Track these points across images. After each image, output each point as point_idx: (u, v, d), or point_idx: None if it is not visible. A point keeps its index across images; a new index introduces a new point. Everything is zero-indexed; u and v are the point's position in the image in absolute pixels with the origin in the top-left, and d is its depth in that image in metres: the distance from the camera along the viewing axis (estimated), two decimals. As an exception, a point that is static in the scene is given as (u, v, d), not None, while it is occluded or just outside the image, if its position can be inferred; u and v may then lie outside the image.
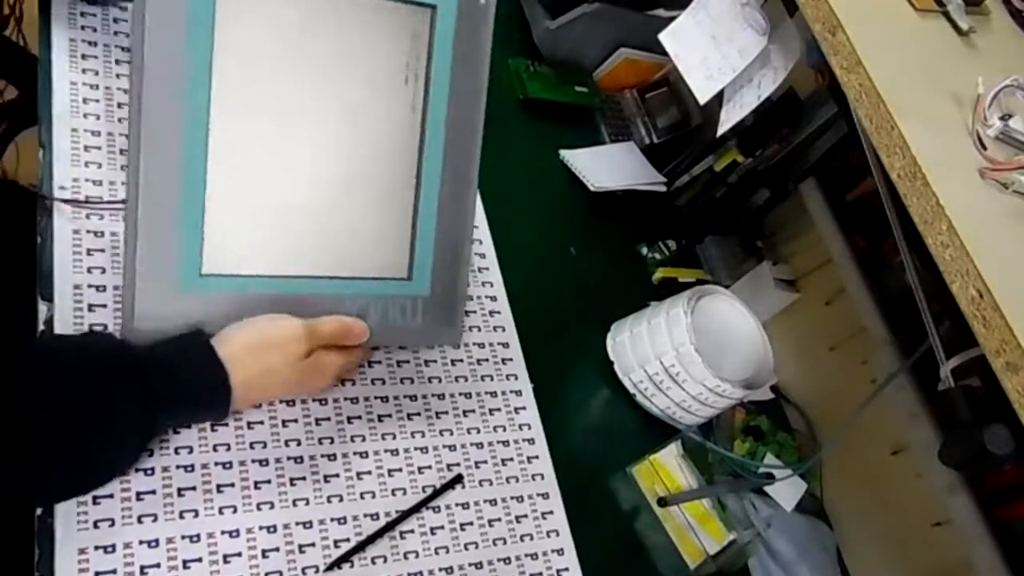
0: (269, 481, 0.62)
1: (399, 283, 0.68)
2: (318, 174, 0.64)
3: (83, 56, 0.72)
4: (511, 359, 0.78)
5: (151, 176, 0.58)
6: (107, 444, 0.54)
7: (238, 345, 0.59)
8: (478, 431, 0.73)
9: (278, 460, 0.63)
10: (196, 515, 0.59)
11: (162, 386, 0.56)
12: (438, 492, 0.67)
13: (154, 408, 0.55)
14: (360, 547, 0.62)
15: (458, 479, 0.68)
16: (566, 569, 0.70)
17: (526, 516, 0.71)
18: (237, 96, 0.60)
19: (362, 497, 0.65)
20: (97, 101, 0.70)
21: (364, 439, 0.67)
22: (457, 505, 0.68)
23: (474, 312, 0.79)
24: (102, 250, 0.64)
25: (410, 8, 0.64)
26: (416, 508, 0.65)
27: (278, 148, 0.62)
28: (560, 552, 0.71)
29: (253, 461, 0.62)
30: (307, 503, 0.63)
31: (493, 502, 0.70)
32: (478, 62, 0.67)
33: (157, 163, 0.58)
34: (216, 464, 0.61)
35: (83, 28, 0.72)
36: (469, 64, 0.67)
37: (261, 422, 0.64)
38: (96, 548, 0.55)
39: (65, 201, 0.63)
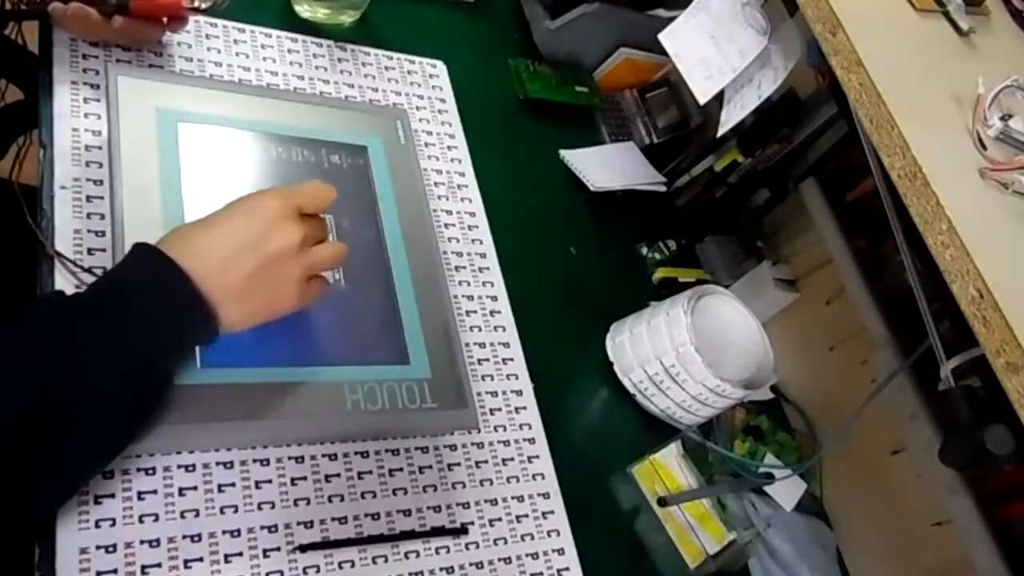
0: (270, 481, 0.62)
1: (398, 367, 0.68)
2: None
3: (83, 56, 0.72)
4: (511, 359, 0.78)
5: None
6: (92, 409, 0.49)
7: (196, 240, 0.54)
8: (478, 431, 0.73)
9: (278, 460, 0.63)
10: (197, 514, 0.59)
11: (120, 313, 0.50)
12: (432, 533, 0.66)
13: (121, 340, 0.49)
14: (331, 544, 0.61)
15: (463, 530, 0.67)
16: (566, 569, 0.70)
17: (526, 516, 0.71)
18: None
19: (363, 497, 0.65)
20: (98, 100, 0.70)
21: (364, 439, 0.67)
22: (457, 505, 0.68)
23: (474, 312, 0.79)
24: (103, 250, 0.64)
25: (347, 148, 0.76)
26: (401, 537, 0.64)
27: None
28: (560, 552, 0.71)
29: (254, 460, 0.62)
30: (308, 503, 0.63)
31: (493, 502, 0.70)
32: (413, 179, 0.78)
33: None
34: (217, 464, 0.61)
35: (83, 28, 0.72)
36: (407, 182, 0.78)
37: (262, 422, 0.64)
38: (97, 548, 0.54)
39: (64, 258, 0.61)
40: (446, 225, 0.83)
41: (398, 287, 0.72)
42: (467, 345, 0.76)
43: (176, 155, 0.67)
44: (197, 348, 0.59)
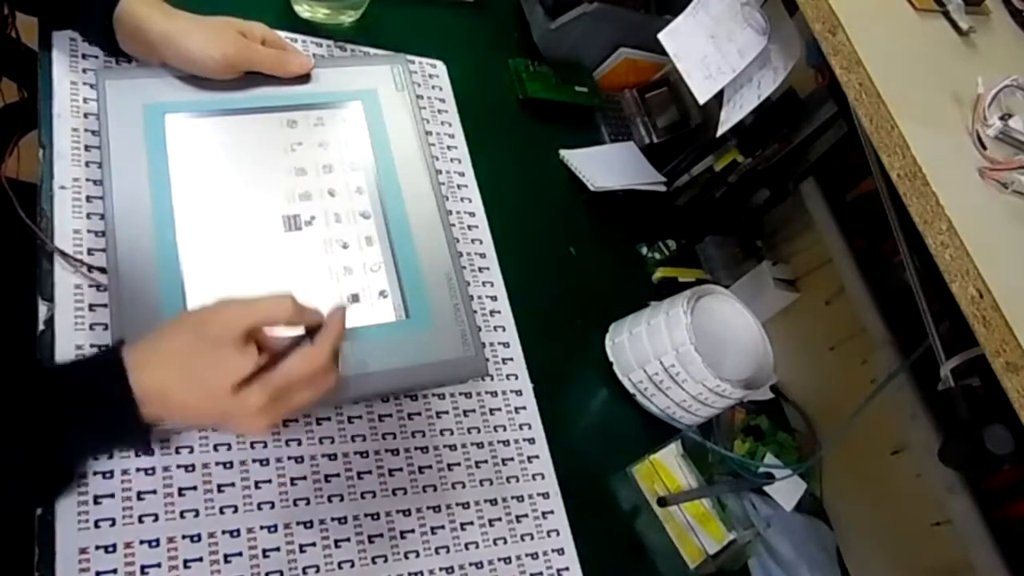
0: (270, 481, 0.62)
1: (399, 325, 0.69)
2: (288, 245, 0.70)
3: (83, 56, 0.72)
4: (511, 359, 0.78)
5: (129, 272, 0.63)
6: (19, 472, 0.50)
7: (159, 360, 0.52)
8: (478, 431, 0.73)
9: (278, 460, 0.63)
10: (197, 515, 0.59)
11: (78, 428, 0.51)
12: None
13: (60, 436, 0.50)
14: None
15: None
16: (566, 569, 0.70)
17: (526, 516, 0.71)
18: (198, 204, 0.68)
19: (363, 497, 0.65)
20: (97, 101, 0.69)
21: (364, 439, 0.67)
22: (457, 505, 0.68)
23: (474, 312, 0.79)
24: (103, 249, 0.64)
25: (340, 105, 0.78)
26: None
27: (245, 223, 0.69)
28: (560, 552, 0.71)
29: (253, 461, 0.62)
30: (308, 503, 0.63)
31: (493, 502, 0.70)
32: (410, 127, 0.79)
33: (132, 263, 0.63)
34: (217, 464, 0.61)
35: (83, 28, 0.73)
36: (403, 131, 0.78)
37: (261, 422, 0.64)
38: (97, 548, 0.55)
39: (64, 255, 0.62)
40: (446, 225, 0.83)
41: (397, 241, 0.73)
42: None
43: (164, 148, 0.68)
44: None
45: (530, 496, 0.72)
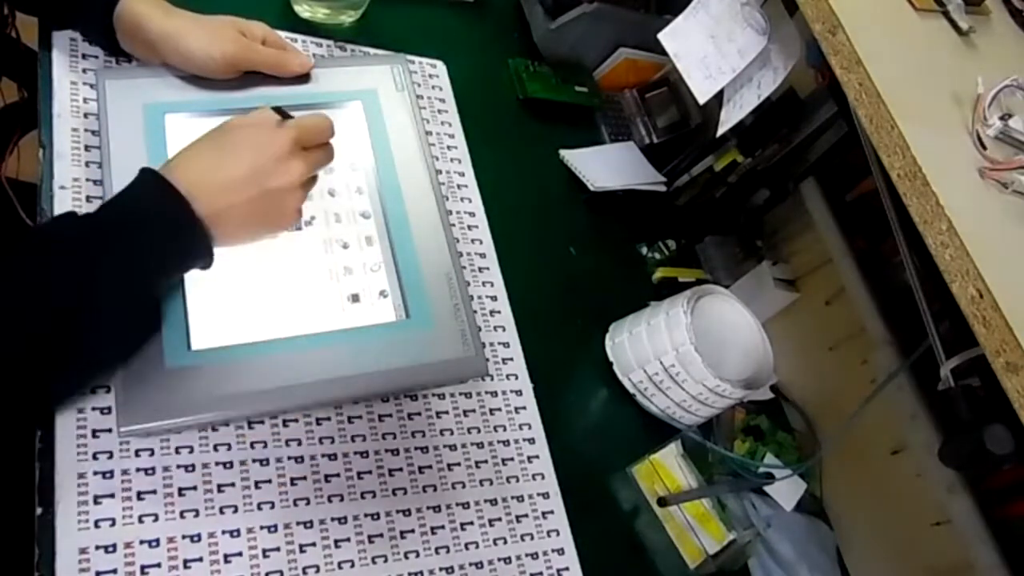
0: (270, 480, 0.62)
1: (399, 325, 0.69)
2: (288, 245, 0.70)
3: (83, 56, 0.72)
4: (511, 359, 0.78)
5: None
6: (112, 322, 0.54)
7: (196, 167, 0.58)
8: (478, 431, 0.73)
9: (279, 459, 0.63)
10: (197, 515, 0.59)
11: (126, 238, 0.54)
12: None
13: (126, 262, 0.54)
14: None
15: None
16: (566, 569, 0.70)
17: (526, 516, 0.71)
18: None
19: (362, 497, 0.65)
20: (97, 100, 0.69)
21: (364, 439, 0.67)
22: (457, 505, 0.68)
23: (474, 312, 0.79)
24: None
25: (340, 104, 0.78)
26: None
27: None
28: (560, 552, 0.71)
29: (254, 461, 0.62)
30: (307, 503, 0.63)
31: (493, 502, 0.70)
32: (410, 127, 0.79)
33: None
34: (217, 464, 0.61)
35: (83, 28, 0.73)
36: (403, 130, 0.78)
37: (262, 422, 0.64)
38: (97, 548, 0.55)
39: None
40: (446, 225, 0.83)
41: (397, 241, 0.73)
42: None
43: (164, 148, 0.68)
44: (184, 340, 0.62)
45: (530, 496, 0.72)
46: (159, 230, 0.56)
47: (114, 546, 0.55)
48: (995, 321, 0.53)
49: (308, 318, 0.67)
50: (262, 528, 0.60)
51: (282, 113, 0.63)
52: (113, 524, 0.56)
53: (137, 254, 0.55)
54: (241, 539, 0.59)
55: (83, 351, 0.54)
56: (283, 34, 0.82)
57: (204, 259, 0.59)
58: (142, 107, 0.69)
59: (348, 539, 0.63)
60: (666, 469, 0.79)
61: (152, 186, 0.56)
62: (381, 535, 0.64)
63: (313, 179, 0.65)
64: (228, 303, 0.64)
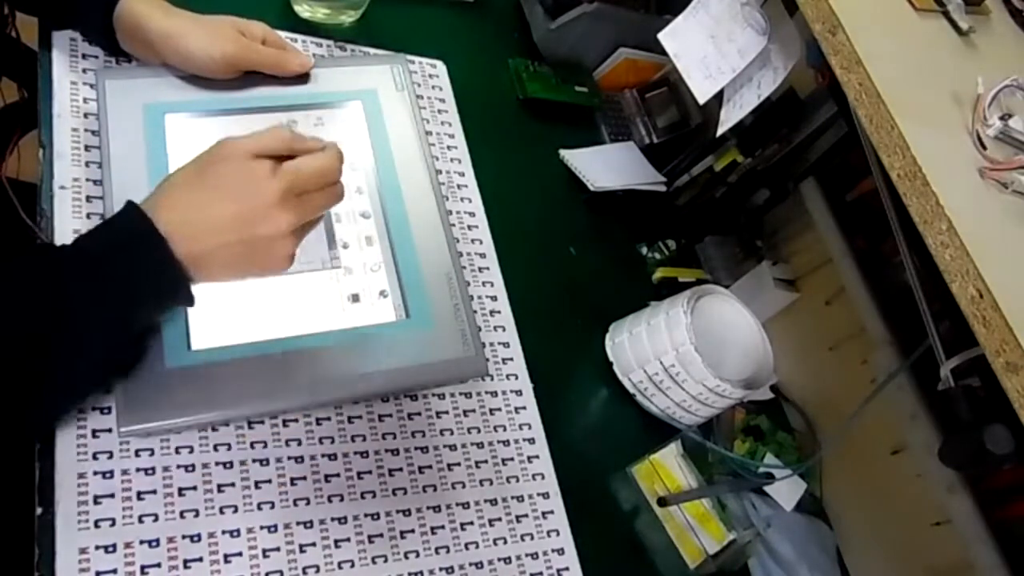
0: (270, 480, 0.62)
1: (399, 325, 0.69)
2: None
3: (83, 56, 0.72)
4: (511, 359, 0.78)
5: None
6: (82, 356, 0.53)
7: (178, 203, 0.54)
8: (478, 431, 0.73)
9: (279, 459, 0.63)
10: (197, 515, 0.59)
11: (103, 274, 0.52)
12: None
13: (101, 298, 0.52)
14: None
15: None
16: (566, 569, 0.70)
17: (526, 516, 0.71)
18: None
19: (363, 497, 0.65)
20: (96, 100, 0.69)
21: (365, 439, 0.67)
22: (457, 505, 0.68)
23: (475, 312, 0.79)
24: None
25: (341, 104, 0.78)
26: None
27: None
28: (560, 552, 0.71)
29: (253, 460, 0.62)
30: (308, 503, 0.63)
31: (493, 502, 0.70)
32: (410, 127, 0.79)
33: None
34: (217, 464, 0.61)
35: (83, 28, 0.72)
36: (403, 130, 0.78)
37: (262, 422, 0.64)
38: (96, 548, 0.55)
39: None
40: (446, 225, 0.83)
41: (397, 241, 0.73)
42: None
43: (164, 148, 0.68)
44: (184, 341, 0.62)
45: (530, 496, 0.72)
46: (134, 269, 0.53)
47: (114, 546, 0.55)
48: (995, 321, 0.53)
49: (308, 318, 0.67)
50: (262, 528, 0.60)
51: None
52: (113, 524, 0.56)
53: (111, 290, 0.52)
54: (241, 539, 0.59)
55: (56, 378, 0.52)
56: (283, 34, 0.82)
57: (182, 300, 0.56)
58: (142, 107, 0.69)
59: (348, 539, 0.63)
60: (666, 469, 0.79)
61: (133, 223, 0.53)
62: (381, 535, 0.64)
63: (313, 221, 0.59)
64: (228, 303, 0.64)
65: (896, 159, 0.58)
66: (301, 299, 0.67)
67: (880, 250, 0.87)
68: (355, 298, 0.70)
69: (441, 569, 0.65)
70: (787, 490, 0.88)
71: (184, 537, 0.57)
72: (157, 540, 0.56)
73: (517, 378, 0.78)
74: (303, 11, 0.88)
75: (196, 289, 0.56)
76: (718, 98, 0.82)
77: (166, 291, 0.55)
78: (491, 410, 0.75)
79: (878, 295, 0.87)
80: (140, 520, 0.57)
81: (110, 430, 0.58)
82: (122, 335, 0.55)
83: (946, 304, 0.61)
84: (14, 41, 0.77)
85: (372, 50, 0.89)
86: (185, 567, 0.56)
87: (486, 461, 0.72)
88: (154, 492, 0.58)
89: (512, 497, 0.71)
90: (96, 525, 0.55)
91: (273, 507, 0.61)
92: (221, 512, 0.59)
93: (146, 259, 0.53)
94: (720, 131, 0.83)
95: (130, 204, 0.54)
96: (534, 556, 0.69)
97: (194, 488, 0.59)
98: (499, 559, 0.68)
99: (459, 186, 0.86)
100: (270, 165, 0.55)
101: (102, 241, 0.54)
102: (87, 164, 0.67)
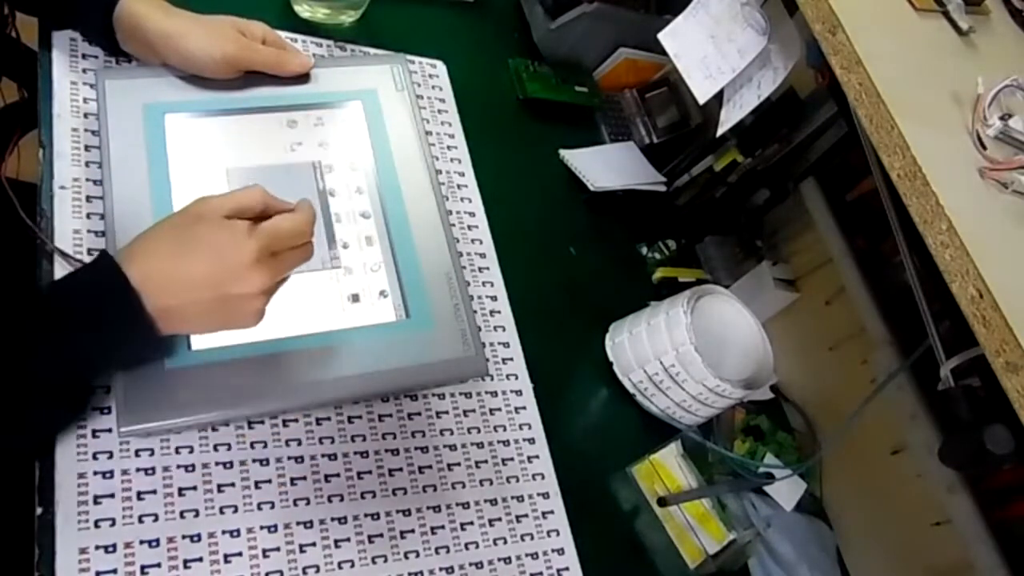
0: (270, 481, 0.62)
1: (399, 325, 0.69)
2: None
3: (83, 56, 0.72)
4: (511, 359, 0.78)
5: None
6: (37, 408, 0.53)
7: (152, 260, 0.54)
8: (478, 431, 0.73)
9: (279, 460, 0.63)
10: (197, 515, 0.59)
11: (71, 324, 0.52)
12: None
13: (75, 358, 0.53)
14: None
15: None
16: (566, 569, 0.70)
17: (526, 516, 0.71)
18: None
19: (362, 497, 0.65)
20: (97, 100, 0.69)
21: (365, 439, 0.67)
22: (457, 505, 0.68)
23: (475, 312, 0.79)
24: (103, 249, 0.64)
25: (340, 104, 0.78)
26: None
27: None
28: (560, 552, 0.71)
29: (253, 461, 0.62)
30: (308, 503, 0.63)
31: (493, 502, 0.70)
32: (410, 126, 0.79)
33: None
34: (216, 464, 0.61)
35: (83, 28, 0.72)
36: (403, 130, 0.78)
37: (262, 422, 0.64)
38: (96, 548, 0.55)
39: (64, 255, 0.62)
40: (446, 225, 0.83)
41: (397, 241, 0.73)
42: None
43: (164, 148, 0.68)
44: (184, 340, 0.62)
45: (530, 496, 0.72)
46: (103, 321, 0.53)
47: (114, 546, 0.55)
48: (995, 321, 0.53)
49: (308, 318, 0.67)
50: (262, 528, 0.60)
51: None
52: (113, 524, 0.56)
53: (78, 340, 0.53)
54: (241, 539, 0.59)
55: (11, 416, 0.52)
56: (283, 34, 0.82)
57: (152, 352, 0.58)
58: (142, 107, 0.69)
59: (348, 539, 0.63)
60: (666, 469, 0.79)
61: (105, 275, 0.53)
62: (381, 535, 0.64)
63: (285, 279, 0.60)
64: None
65: (896, 159, 0.58)
66: (301, 299, 0.67)
67: (880, 250, 0.87)
68: (355, 298, 0.70)
69: (441, 569, 0.65)
70: (787, 490, 0.88)
71: (184, 537, 0.57)
72: (157, 540, 0.57)
73: (517, 378, 0.78)
74: (303, 11, 0.88)
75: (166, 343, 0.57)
76: (718, 98, 0.82)
77: (134, 343, 0.56)
78: (491, 410, 0.75)
79: (878, 295, 0.87)
80: (140, 520, 0.57)
81: (110, 430, 0.58)
82: (85, 383, 0.57)
83: (946, 304, 0.61)
84: (14, 41, 0.77)
85: (372, 50, 0.89)
86: (185, 567, 0.56)
87: (486, 461, 0.72)
88: (154, 492, 0.58)
89: (512, 497, 0.71)
90: (96, 525, 0.55)
91: (273, 507, 0.61)
92: (221, 512, 0.59)
93: (116, 313, 0.53)
94: (720, 131, 0.83)
95: (105, 255, 0.54)
96: (534, 556, 0.69)
97: (194, 488, 0.59)
98: (499, 559, 0.68)
99: (459, 186, 0.86)
100: (246, 226, 0.56)
101: (75, 290, 0.54)
102: (87, 164, 0.67)
